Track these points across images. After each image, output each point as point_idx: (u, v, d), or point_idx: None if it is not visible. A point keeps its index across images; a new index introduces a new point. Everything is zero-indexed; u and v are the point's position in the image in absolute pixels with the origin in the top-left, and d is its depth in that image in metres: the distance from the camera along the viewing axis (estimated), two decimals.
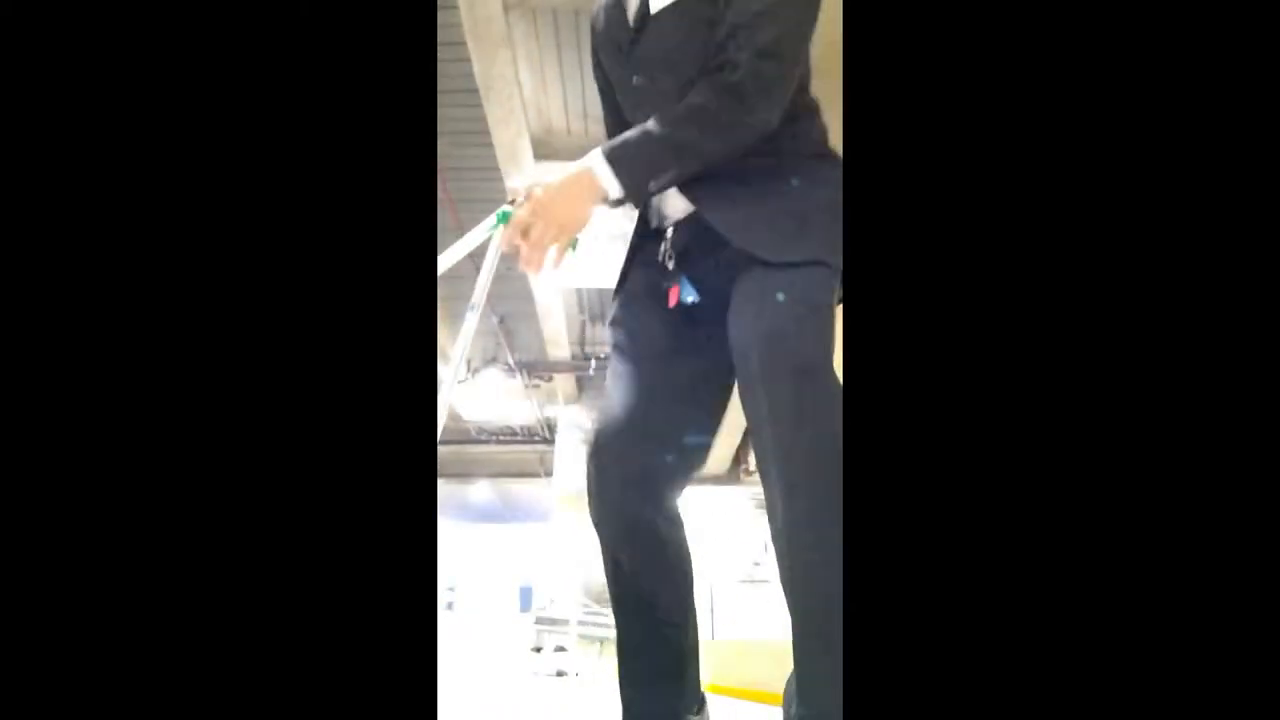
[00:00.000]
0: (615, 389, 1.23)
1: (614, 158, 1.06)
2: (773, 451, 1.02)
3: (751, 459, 8.55)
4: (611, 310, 1.29)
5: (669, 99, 1.09)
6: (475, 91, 4.85)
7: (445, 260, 1.01)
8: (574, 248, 1.11)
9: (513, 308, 8.18)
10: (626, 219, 1.29)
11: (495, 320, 8.33)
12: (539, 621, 8.42)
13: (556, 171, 1.07)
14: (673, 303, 1.18)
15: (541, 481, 11.54)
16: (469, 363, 9.71)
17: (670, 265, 1.20)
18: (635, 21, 1.17)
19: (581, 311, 8.88)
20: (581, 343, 8.92)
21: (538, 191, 1.06)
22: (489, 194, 6.35)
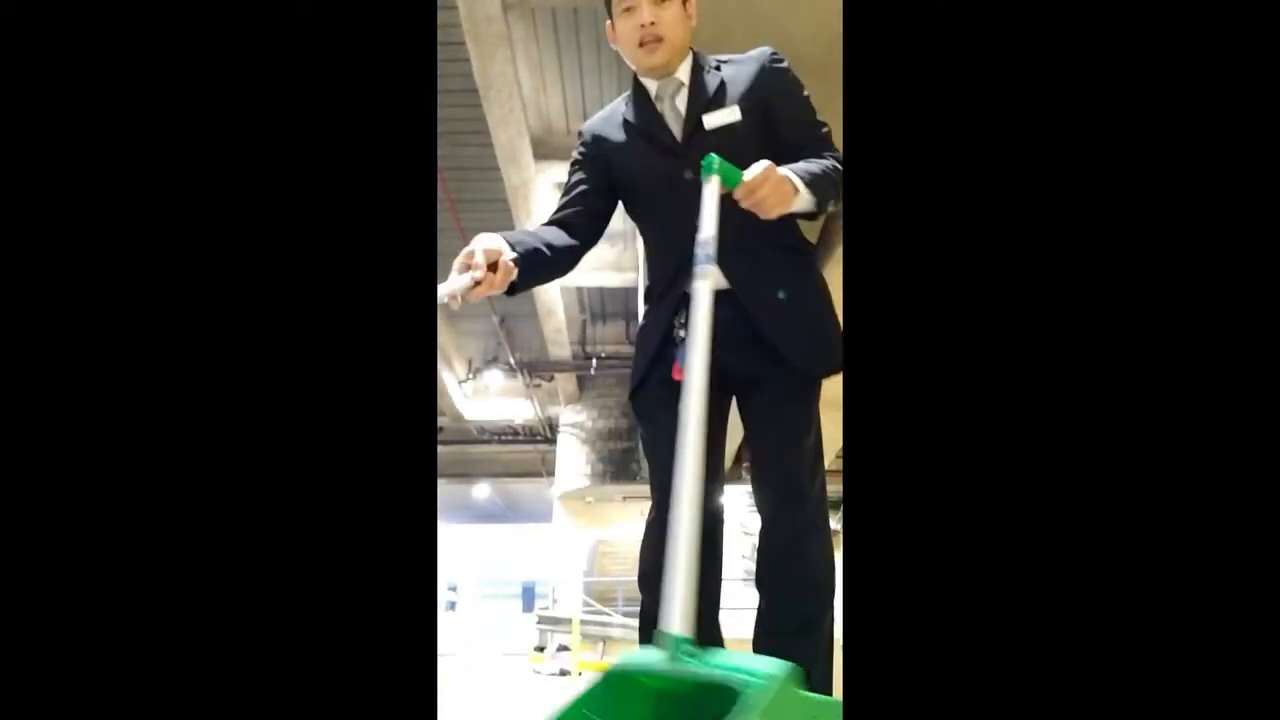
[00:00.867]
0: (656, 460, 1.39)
1: (808, 180, 1.26)
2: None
3: None
4: (636, 382, 1.44)
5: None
6: (475, 91, 4.85)
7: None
8: None
9: (514, 308, 8.18)
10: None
11: (496, 320, 8.34)
12: (541, 621, 8.44)
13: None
14: (677, 376, 1.30)
15: (543, 481, 11.55)
16: (470, 363, 9.73)
17: (679, 340, 1.34)
18: (684, 132, 1.38)
19: (582, 311, 8.89)
20: (582, 342, 8.93)
21: (776, 170, 1.23)
22: (489, 194, 6.35)
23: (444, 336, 8.87)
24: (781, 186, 1.22)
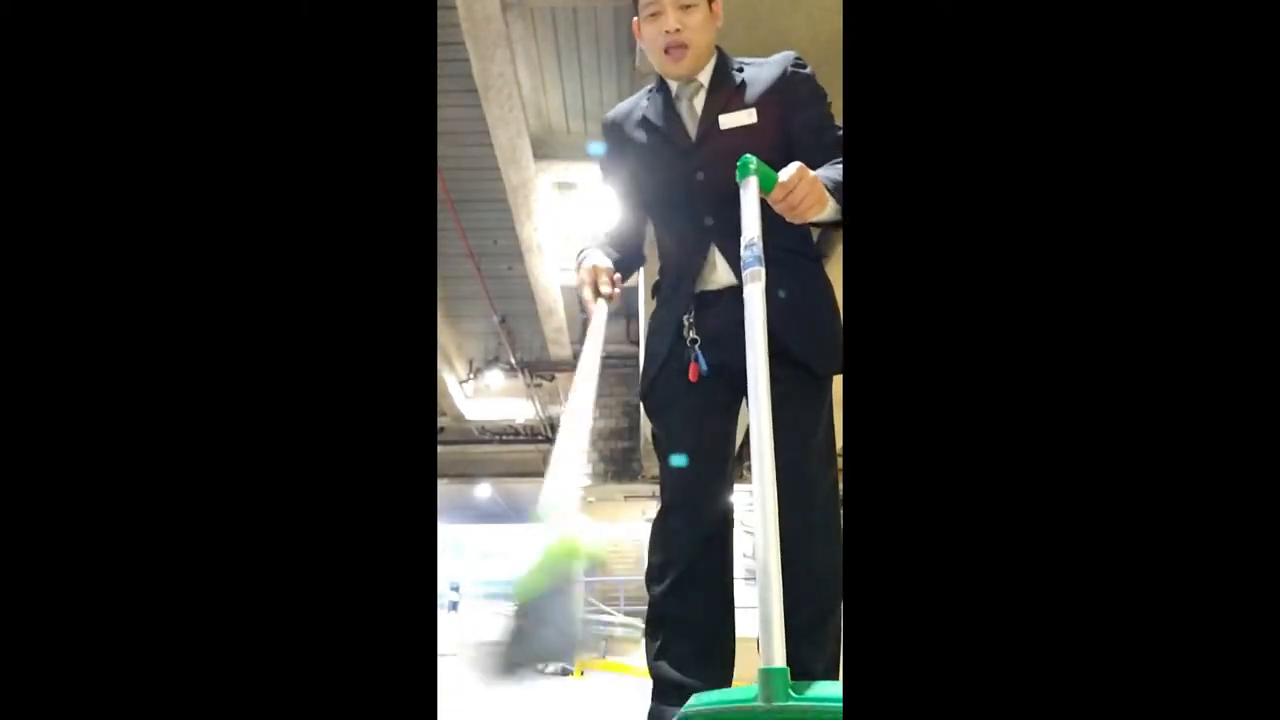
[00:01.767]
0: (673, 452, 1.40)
1: (833, 188, 1.24)
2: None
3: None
4: (648, 383, 1.46)
5: (723, 189, 1.25)
6: (474, 91, 4.85)
7: None
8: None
9: (515, 307, 8.18)
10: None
11: (497, 320, 8.34)
12: None
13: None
14: (694, 377, 1.33)
15: (544, 481, 11.50)
16: (471, 363, 9.73)
17: (692, 340, 1.35)
18: (699, 132, 1.38)
19: (583, 311, 8.86)
20: (583, 342, 8.89)
21: (809, 172, 1.22)
22: (489, 194, 6.35)
23: (445, 336, 8.87)
24: (816, 188, 1.20)
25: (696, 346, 1.34)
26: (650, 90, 1.48)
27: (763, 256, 1.13)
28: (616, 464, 9.60)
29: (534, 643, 0.93)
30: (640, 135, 1.44)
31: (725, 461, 1.39)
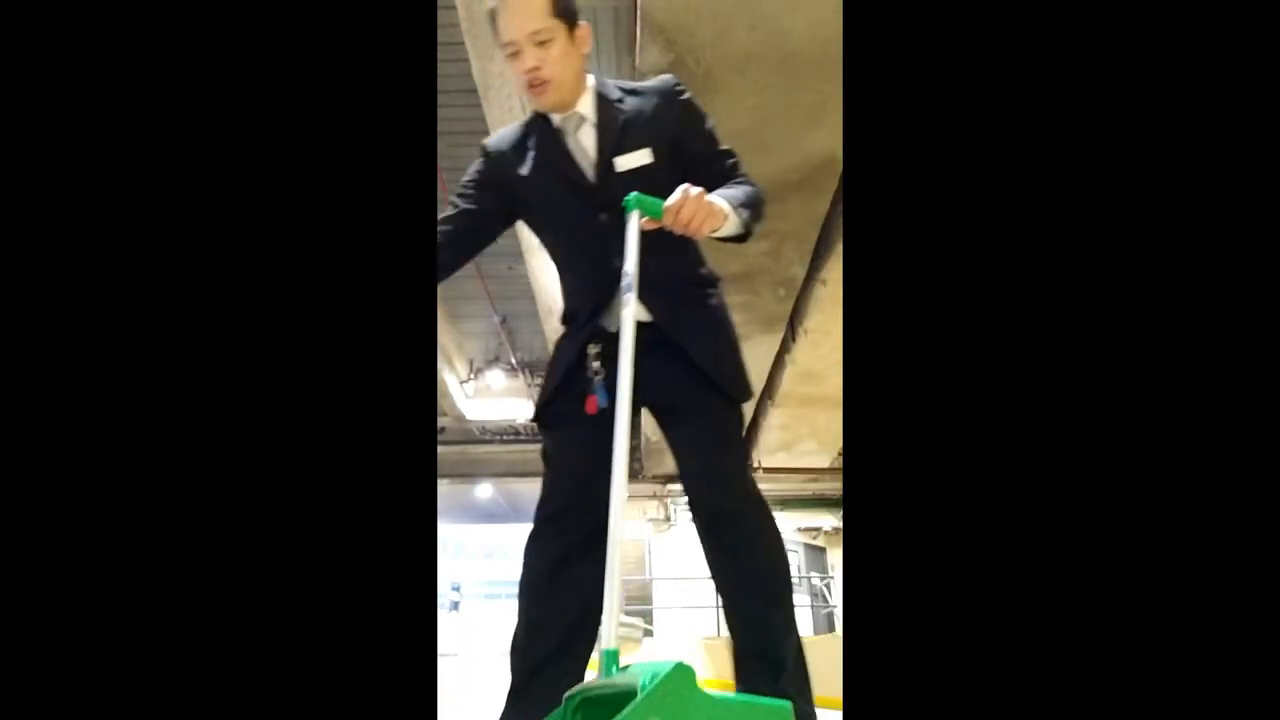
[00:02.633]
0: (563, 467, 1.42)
1: (734, 204, 1.31)
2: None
3: (755, 456, 8.56)
4: (543, 402, 1.45)
5: (621, 231, 1.30)
6: (474, 91, 4.85)
7: None
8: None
9: (515, 308, 8.18)
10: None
11: (497, 320, 8.33)
12: None
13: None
14: (592, 410, 1.33)
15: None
16: (471, 363, 9.72)
17: (594, 372, 1.36)
18: (597, 175, 1.37)
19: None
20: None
21: (693, 190, 1.27)
22: None
23: (445, 337, 8.87)
24: (703, 203, 1.24)
25: (599, 379, 1.35)
26: (529, 123, 1.45)
27: (635, 286, 1.22)
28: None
29: None
30: (529, 169, 1.41)
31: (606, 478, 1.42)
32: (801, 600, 11.61)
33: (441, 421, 9.98)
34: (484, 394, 10.11)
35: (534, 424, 1.46)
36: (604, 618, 1.00)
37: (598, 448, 1.35)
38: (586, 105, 1.40)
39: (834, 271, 4.96)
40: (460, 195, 1.45)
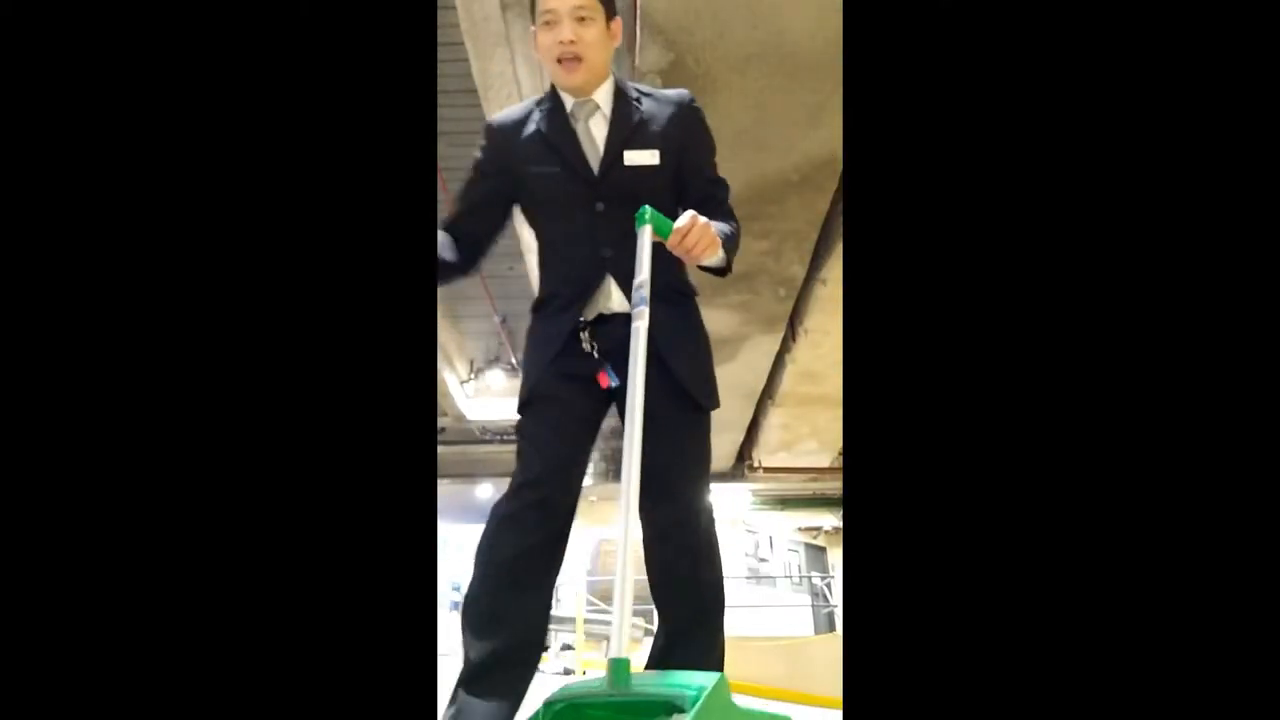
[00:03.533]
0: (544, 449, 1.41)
1: (724, 237, 1.35)
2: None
3: (755, 455, 8.57)
4: (529, 389, 1.43)
5: (622, 222, 1.32)
6: (474, 91, 4.85)
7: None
8: None
9: (515, 308, 8.17)
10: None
11: (498, 320, 8.33)
12: None
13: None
14: (604, 385, 1.36)
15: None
16: (471, 363, 9.73)
17: (595, 353, 1.38)
18: (602, 165, 1.38)
19: None
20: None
21: (700, 218, 1.31)
22: None
23: (445, 337, 8.87)
24: (708, 234, 1.28)
25: (600, 358, 1.37)
26: (540, 102, 1.45)
27: (649, 298, 1.22)
28: (618, 463, 9.58)
29: None
30: (535, 151, 1.41)
31: (581, 467, 1.42)
32: (801, 600, 11.61)
33: (441, 421, 9.98)
34: (484, 394, 10.11)
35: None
36: (614, 624, 0.98)
37: (580, 433, 1.37)
38: (604, 96, 1.41)
39: (834, 271, 4.96)
40: (469, 187, 1.47)
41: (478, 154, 1.47)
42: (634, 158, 1.38)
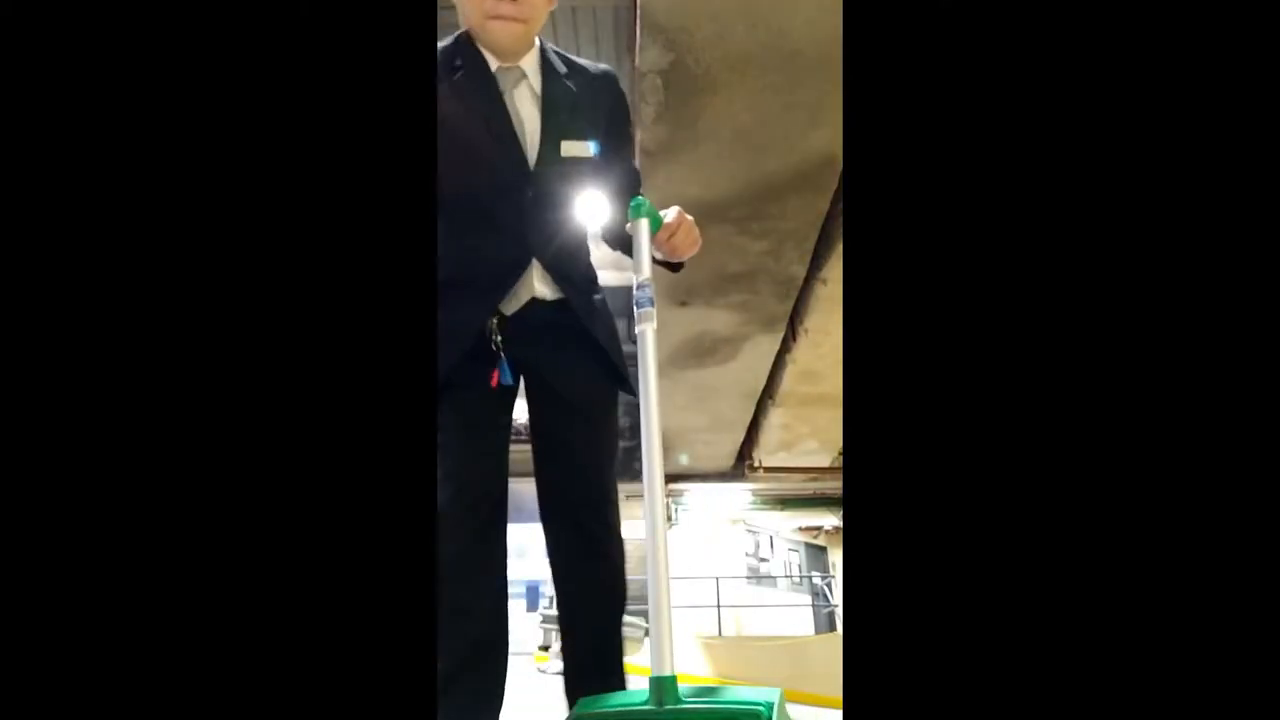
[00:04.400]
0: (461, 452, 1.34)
1: None
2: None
3: (755, 455, 8.57)
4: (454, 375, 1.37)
5: (551, 210, 1.30)
6: None
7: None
8: None
9: None
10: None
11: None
12: (546, 620, 8.44)
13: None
14: (495, 383, 1.29)
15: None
16: None
17: (497, 348, 1.30)
18: (539, 156, 1.29)
19: None
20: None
21: (687, 216, 1.30)
22: None
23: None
24: (694, 233, 1.27)
25: (501, 354, 1.30)
26: (455, 50, 1.30)
27: (654, 298, 1.18)
28: (618, 463, 9.58)
29: None
30: (459, 110, 1.25)
31: (505, 454, 1.37)
32: (802, 600, 11.61)
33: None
34: None
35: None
36: (652, 639, 0.94)
37: (498, 423, 1.33)
38: (530, 64, 1.33)
39: (834, 271, 4.97)
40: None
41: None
42: (572, 149, 1.30)
